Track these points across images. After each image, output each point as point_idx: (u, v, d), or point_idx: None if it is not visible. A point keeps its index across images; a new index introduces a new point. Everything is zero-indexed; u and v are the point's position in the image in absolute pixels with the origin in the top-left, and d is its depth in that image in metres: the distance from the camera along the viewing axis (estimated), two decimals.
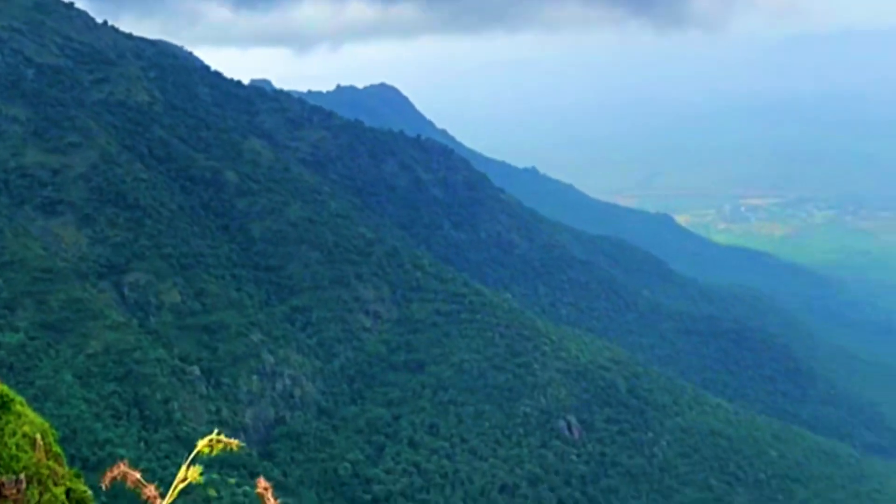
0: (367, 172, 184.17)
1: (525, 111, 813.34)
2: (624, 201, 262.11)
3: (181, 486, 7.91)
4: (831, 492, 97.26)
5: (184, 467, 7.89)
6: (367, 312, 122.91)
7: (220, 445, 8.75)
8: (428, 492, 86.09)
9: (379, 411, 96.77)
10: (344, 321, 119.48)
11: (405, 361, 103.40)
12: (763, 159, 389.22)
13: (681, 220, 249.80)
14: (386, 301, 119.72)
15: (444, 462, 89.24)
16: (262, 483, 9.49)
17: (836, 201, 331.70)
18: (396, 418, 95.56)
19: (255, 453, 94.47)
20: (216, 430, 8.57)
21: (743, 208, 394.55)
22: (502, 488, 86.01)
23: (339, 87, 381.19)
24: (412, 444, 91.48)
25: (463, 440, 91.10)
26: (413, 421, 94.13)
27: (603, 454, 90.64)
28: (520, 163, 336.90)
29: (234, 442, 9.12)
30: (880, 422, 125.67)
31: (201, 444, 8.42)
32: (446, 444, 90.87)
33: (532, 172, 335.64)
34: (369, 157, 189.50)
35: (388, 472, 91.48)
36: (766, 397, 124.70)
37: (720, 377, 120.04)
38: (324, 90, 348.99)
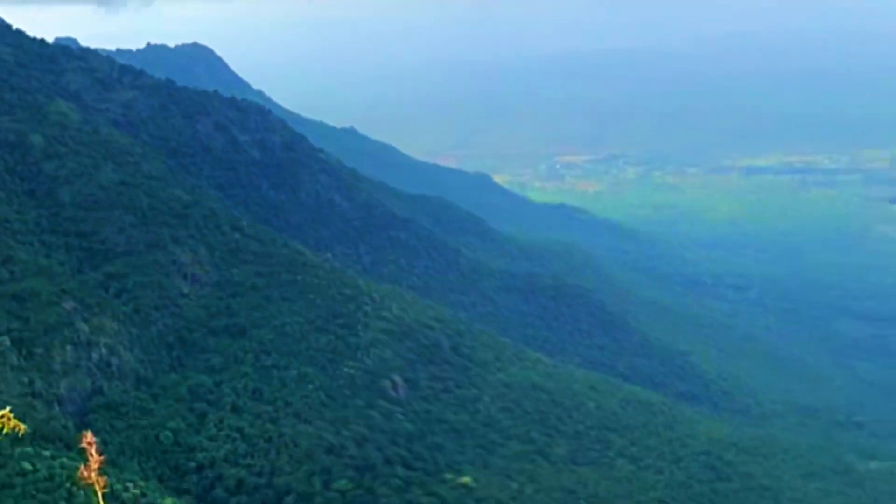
0: (181, 133, 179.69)
1: (343, 72, 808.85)
2: (443, 161, 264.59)
3: None
4: (646, 439, 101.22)
5: None
6: (185, 277, 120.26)
7: (11, 424, 8.63)
8: (253, 457, 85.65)
9: (200, 378, 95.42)
10: (161, 287, 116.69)
11: (226, 326, 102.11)
12: (577, 118, 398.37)
13: (499, 179, 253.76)
14: (204, 264, 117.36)
15: (269, 426, 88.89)
16: (88, 437, 9.47)
17: (645, 158, 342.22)
18: (218, 384, 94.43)
19: (71, 425, 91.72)
20: (8, 409, 8.42)
21: (558, 166, 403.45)
22: (329, 449, 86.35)
23: (149, 45, 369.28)
24: (235, 409, 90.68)
25: (287, 404, 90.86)
26: (235, 387, 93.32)
27: (428, 412, 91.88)
28: (338, 123, 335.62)
29: (22, 427, 9.03)
30: (690, 370, 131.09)
31: None
32: (270, 409, 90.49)
33: (351, 132, 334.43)
34: (183, 118, 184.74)
35: (211, 438, 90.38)
36: (584, 351, 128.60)
37: (540, 333, 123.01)
38: (133, 48, 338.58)
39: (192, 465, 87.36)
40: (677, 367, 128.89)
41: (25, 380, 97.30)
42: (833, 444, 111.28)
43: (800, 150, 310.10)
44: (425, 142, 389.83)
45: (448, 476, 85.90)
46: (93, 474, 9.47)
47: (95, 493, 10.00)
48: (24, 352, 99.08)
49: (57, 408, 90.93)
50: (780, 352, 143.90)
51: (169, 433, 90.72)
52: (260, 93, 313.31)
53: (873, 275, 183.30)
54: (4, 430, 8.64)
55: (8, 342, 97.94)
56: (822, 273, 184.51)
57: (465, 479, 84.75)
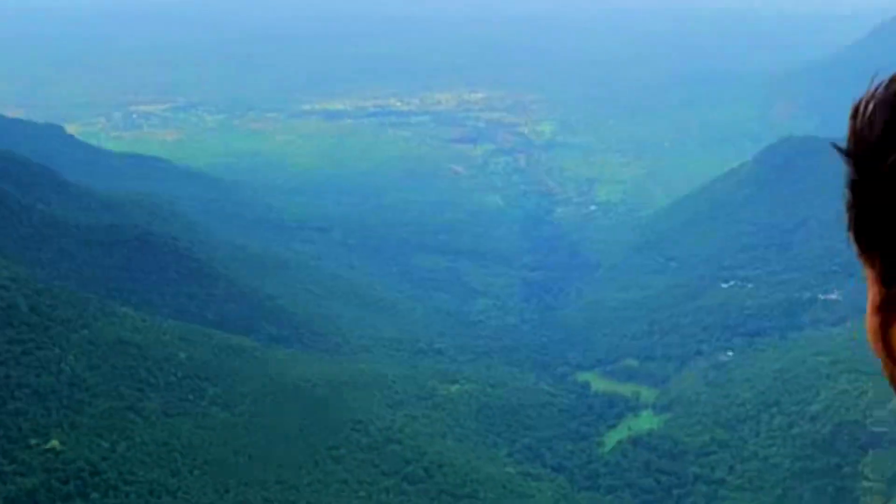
0: None
1: None
2: (10, 112, 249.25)
3: None
4: (240, 385, 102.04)
5: None
6: None
7: None
8: None
9: None
10: None
11: None
12: (153, 66, 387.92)
13: (71, 129, 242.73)
14: None
15: None
16: None
17: (225, 105, 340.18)
18: None
19: None
20: None
21: (134, 115, 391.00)
22: None
23: None
24: None
25: None
26: None
27: (8, 377, 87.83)
28: None
29: None
30: (280, 314, 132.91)
31: None
32: None
33: None
34: None
35: None
36: (172, 301, 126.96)
37: (125, 286, 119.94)
38: None
39: None
40: (267, 312, 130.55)
41: None
42: (417, 373, 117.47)
43: (375, 93, 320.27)
44: None
45: (33, 441, 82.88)
46: None
47: None
48: None
49: None
50: (364, 289, 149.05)
51: None
52: None
53: (446, 211, 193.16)
54: None
55: None
56: (400, 211, 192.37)
57: (53, 443, 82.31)
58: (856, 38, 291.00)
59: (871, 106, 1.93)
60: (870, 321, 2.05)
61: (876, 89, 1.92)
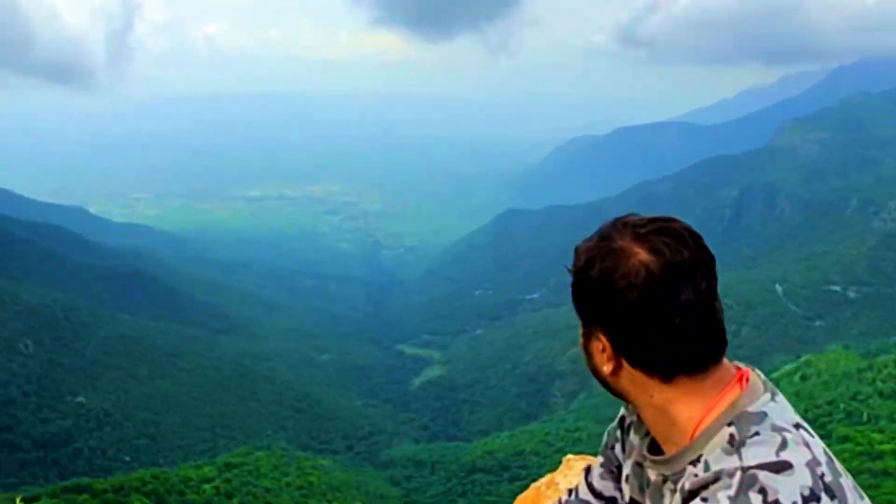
0: None
1: None
2: (50, 199, 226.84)
3: None
4: (197, 358, 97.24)
5: None
6: None
7: None
8: None
9: None
10: None
11: None
12: (139, 170, 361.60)
13: (91, 209, 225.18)
14: None
15: None
16: None
17: (184, 193, 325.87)
18: None
19: None
20: None
21: (131, 200, 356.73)
22: None
23: None
24: None
25: None
26: None
27: (51, 359, 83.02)
28: None
29: None
30: (220, 315, 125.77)
31: None
32: None
33: None
34: None
35: None
36: (153, 310, 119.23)
37: (124, 302, 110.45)
38: None
39: None
40: (212, 314, 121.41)
41: None
42: (301, 347, 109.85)
43: (275, 186, 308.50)
44: None
45: (68, 398, 78.84)
46: None
47: None
48: None
49: None
50: (270, 299, 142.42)
51: None
52: None
53: (319, 252, 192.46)
54: None
55: None
56: (291, 254, 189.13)
57: (80, 399, 78.35)
58: (540, 157, 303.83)
59: (580, 248, 1.83)
60: (596, 360, 1.85)
61: (587, 239, 1.83)
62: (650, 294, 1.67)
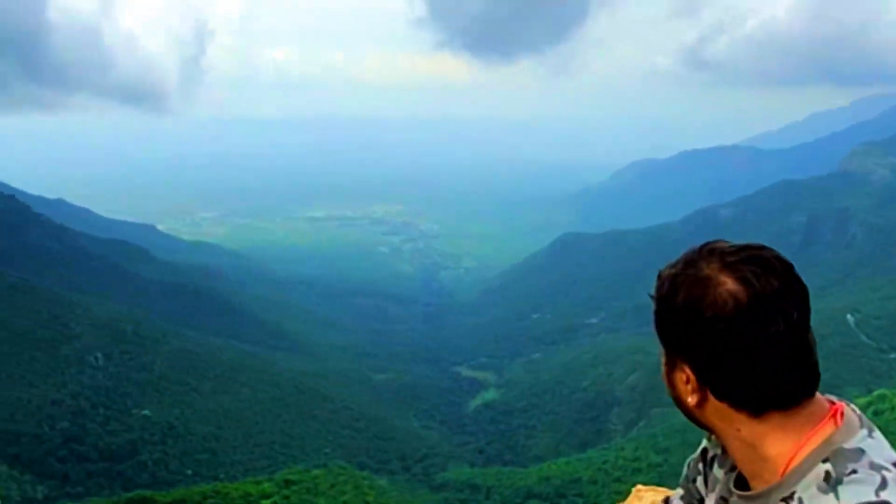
0: None
1: None
2: (122, 217, 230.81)
3: None
4: (256, 374, 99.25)
5: None
6: None
7: None
8: (6, 411, 75.32)
9: None
10: None
11: None
12: (205, 191, 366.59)
13: (161, 227, 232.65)
14: None
15: (7, 393, 78.85)
16: None
17: (248, 213, 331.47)
18: None
19: None
20: None
21: (197, 219, 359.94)
22: (52, 402, 78.67)
23: None
24: None
25: (22, 377, 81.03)
26: None
27: (119, 372, 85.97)
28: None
29: None
30: (278, 333, 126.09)
31: None
32: (8, 381, 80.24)
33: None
34: None
35: None
36: (215, 326, 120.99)
37: (189, 318, 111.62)
38: None
39: None
40: (270, 332, 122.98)
41: None
42: (360, 366, 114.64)
43: (337, 207, 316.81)
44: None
45: (134, 411, 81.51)
46: None
47: None
48: None
49: None
50: (328, 318, 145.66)
51: None
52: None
53: (377, 272, 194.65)
54: None
55: None
56: (351, 273, 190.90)
57: (146, 412, 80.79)
58: (600, 180, 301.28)
59: (664, 274, 1.79)
60: (680, 390, 1.81)
61: (672, 265, 1.79)
62: (738, 325, 1.63)
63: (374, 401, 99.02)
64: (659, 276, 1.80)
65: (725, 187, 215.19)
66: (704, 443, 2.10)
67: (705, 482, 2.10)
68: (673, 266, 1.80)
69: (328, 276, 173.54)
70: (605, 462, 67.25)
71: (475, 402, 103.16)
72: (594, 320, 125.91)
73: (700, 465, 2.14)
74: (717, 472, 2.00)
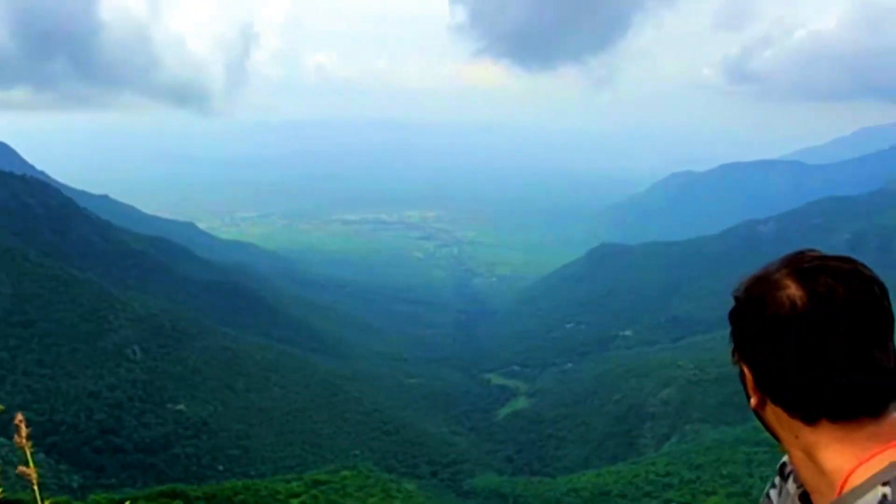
0: None
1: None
2: (164, 214, 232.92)
3: None
4: (291, 374, 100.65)
5: None
6: None
7: None
8: (38, 403, 77.36)
9: (1, 354, 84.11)
10: None
11: (20, 320, 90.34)
12: (243, 193, 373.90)
13: (201, 225, 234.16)
14: (3, 282, 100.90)
15: (49, 382, 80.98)
16: (18, 416, 9.98)
17: (286, 214, 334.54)
18: (13, 357, 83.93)
19: None
20: None
21: (236, 218, 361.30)
22: (90, 394, 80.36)
23: None
24: (25, 373, 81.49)
25: (62, 367, 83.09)
26: (26, 358, 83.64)
27: (156, 367, 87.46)
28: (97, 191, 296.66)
29: None
30: (315, 335, 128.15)
31: None
32: (49, 371, 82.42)
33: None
34: None
35: (7, 393, 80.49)
36: (252, 325, 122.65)
37: (226, 315, 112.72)
38: None
39: None
40: (308, 334, 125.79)
41: None
42: (392, 371, 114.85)
43: (372, 211, 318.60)
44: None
45: (168, 405, 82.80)
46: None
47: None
48: None
49: None
50: (363, 322, 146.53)
51: None
52: (42, 172, 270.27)
53: (412, 278, 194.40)
54: None
55: None
56: (386, 278, 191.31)
57: (181, 406, 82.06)
58: (639, 191, 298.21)
59: (745, 282, 1.82)
60: (747, 390, 1.85)
61: (760, 268, 1.81)
62: (792, 328, 1.63)
63: (405, 405, 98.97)
64: (743, 276, 1.86)
65: (767, 202, 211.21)
66: (785, 457, 2.09)
67: (779, 495, 2.12)
68: (759, 268, 1.83)
69: (362, 279, 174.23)
70: (635, 476, 66.15)
71: (505, 411, 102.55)
72: (628, 332, 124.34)
73: (776, 479, 2.16)
74: (791, 486, 2.01)
